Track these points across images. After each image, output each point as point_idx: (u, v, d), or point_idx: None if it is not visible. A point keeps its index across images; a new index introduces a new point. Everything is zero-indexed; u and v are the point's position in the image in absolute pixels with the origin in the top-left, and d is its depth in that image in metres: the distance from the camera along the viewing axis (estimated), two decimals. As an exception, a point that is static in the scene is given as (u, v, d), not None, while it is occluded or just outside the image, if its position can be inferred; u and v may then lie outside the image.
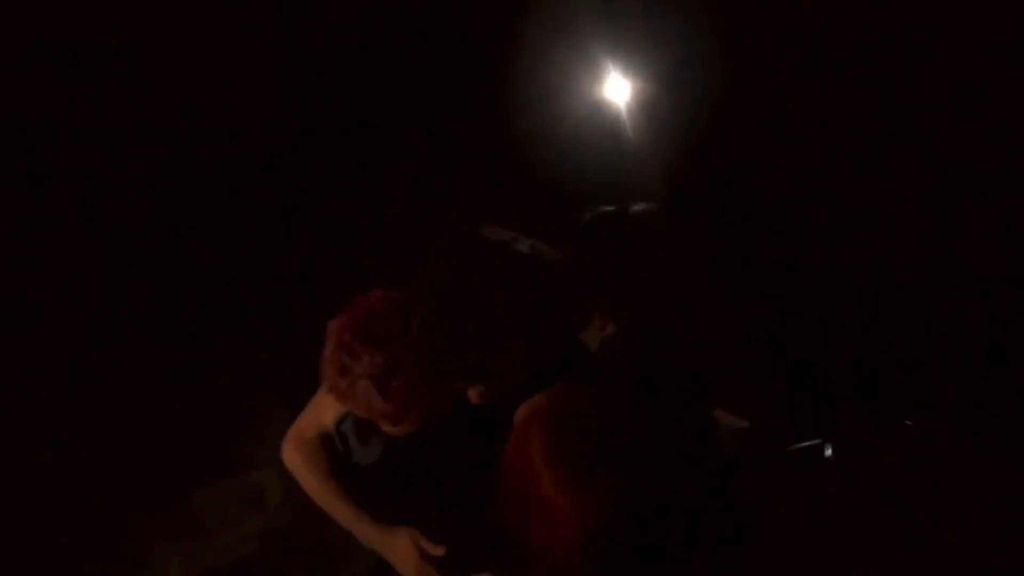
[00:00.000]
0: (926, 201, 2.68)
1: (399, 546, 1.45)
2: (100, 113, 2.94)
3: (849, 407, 2.02)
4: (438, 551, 1.38)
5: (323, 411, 1.49)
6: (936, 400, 2.20)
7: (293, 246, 3.06)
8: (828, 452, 1.43)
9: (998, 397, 2.18)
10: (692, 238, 1.40)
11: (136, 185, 2.98)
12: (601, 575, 1.13)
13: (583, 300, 1.29)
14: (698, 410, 1.36)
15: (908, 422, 1.77)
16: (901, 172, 2.86)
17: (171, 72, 2.97)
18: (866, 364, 2.25)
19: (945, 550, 1.79)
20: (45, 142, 2.89)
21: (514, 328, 1.21)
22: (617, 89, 3.04)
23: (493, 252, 1.28)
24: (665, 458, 1.14)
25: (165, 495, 2.33)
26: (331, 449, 1.50)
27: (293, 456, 1.53)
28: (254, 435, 2.47)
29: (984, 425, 2.10)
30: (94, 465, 2.40)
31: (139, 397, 2.60)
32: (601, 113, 3.08)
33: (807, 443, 1.43)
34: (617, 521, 1.06)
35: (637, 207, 1.39)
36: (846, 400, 2.07)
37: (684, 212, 1.47)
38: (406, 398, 1.27)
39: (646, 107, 3.04)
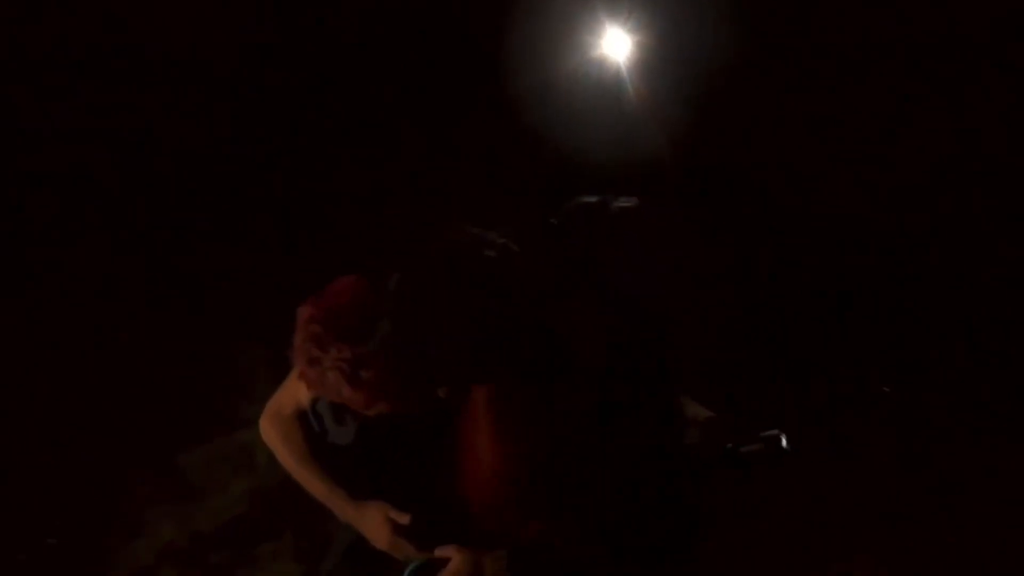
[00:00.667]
0: (929, 181, 2.72)
1: (372, 519, 1.55)
2: (103, 111, 3.00)
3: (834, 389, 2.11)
4: (407, 520, 1.49)
5: (299, 390, 1.55)
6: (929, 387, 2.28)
7: (280, 208, 3.13)
8: (784, 443, 1.51)
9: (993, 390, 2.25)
10: (673, 235, 1.46)
11: (136, 175, 3.04)
12: (532, 531, 1.40)
13: (558, 296, 1.37)
14: (657, 399, 1.45)
15: (886, 389, 1.85)
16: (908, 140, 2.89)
17: (172, 72, 3.04)
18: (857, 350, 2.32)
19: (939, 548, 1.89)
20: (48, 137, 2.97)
21: (482, 333, 1.29)
22: (617, 44, 3.03)
23: (462, 257, 1.33)
24: (600, 440, 1.31)
25: (154, 459, 2.41)
26: (307, 427, 1.59)
27: (271, 432, 1.61)
28: (240, 393, 2.53)
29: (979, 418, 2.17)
30: (82, 431, 2.46)
31: (124, 359, 2.66)
32: (601, 71, 3.09)
33: (766, 433, 1.51)
34: (536, 483, 1.35)
35: (619, 201, 1.45)
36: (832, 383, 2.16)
37: (667, 206, 1.52)
38: (375, 389, 1.31)
39: (647, 64, 3.04)
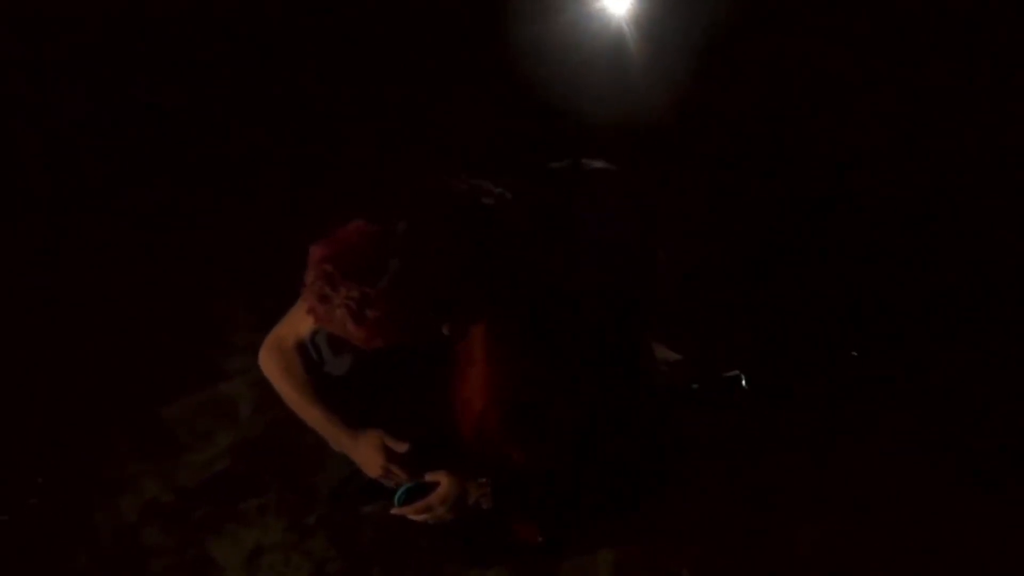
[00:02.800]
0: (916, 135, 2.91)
1: (366, 446, 1.77)
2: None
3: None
4: (402, 448, 1.74)
5: (300, 323, 1.77)
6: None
7: (260, 157, 3.32)
8: (744, 383, 1.79)
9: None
10: (641, 197, 1.72)
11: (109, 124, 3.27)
12: (515, 459, 1.67)
13: (546, 243, 1.62)
14: (633, 342, 1.71)
15: (854, 353, 2.09)
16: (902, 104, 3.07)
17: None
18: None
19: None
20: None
21: (481, 272, 1.54)
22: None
23: (462, 203, 1.58)
24: (581, 377, 1.55)
25: (135, 412, 2.56)
26: (306, 358, 1.81)
27: (269, 363, 1.82)
28: (221, 345, 2.72)
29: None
30: (61, 389, 2.63)
31: (103, 310, 2.85)
32: (602, 27, 3.23)
33: (728, 375, 1.78)
34: (522, 413, 1.62)
35: (592, 164, 1.70)
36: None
37: (636, 170, 1.78)
38: (379, 327, 1.54)
39: (649, 19, 3.21)
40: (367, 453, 1.79)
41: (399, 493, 1.73)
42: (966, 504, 2.10)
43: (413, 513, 1.72)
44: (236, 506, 2.35)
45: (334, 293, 1.53)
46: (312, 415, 1.82)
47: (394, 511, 1.73)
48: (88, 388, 2.65)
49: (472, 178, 1.65)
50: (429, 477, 1.72)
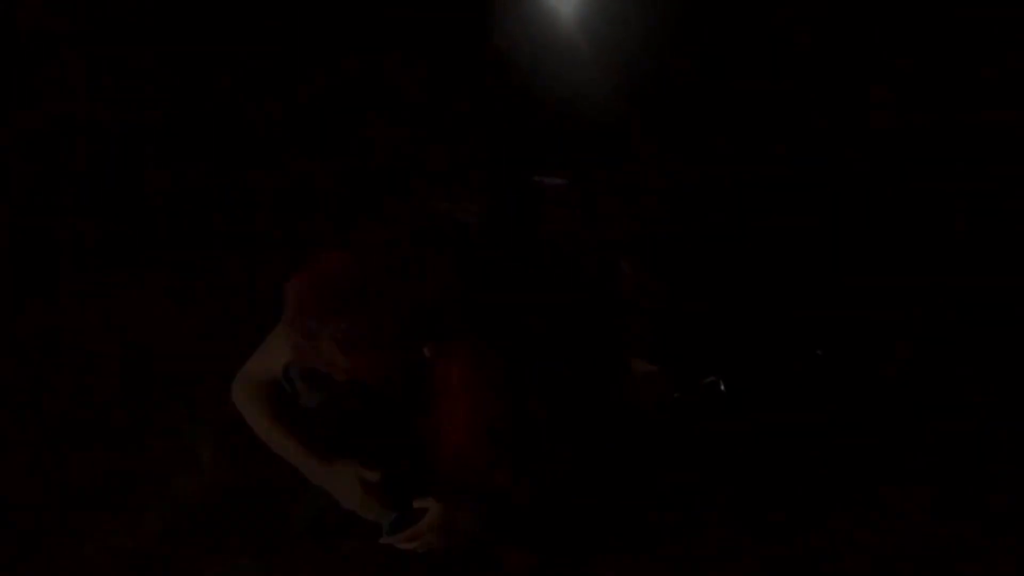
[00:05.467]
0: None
1: (343, 478, 1.83)
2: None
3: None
4: (375, 477, 1.79)
5: (273, 356, 1.82)
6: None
7: (222, 201, 3.34)
8: (722, 387, 1.87)
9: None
10: (595, 212, 1.80)
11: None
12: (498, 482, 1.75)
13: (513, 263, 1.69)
14: (607, 356, 1.79)
15: (819, 352, 2.18)
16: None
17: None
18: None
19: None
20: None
21: (464, 293, 1.59)
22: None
23: (442, 223, 1.64)
24: (560, 395, 1.63)
25: (99, 460, 2.60)
26: (279, 391, 1.86)
27: (242, 397, 1.88)
28: (185, 389, 2.72)
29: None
30: (23, 435, 2.67)
31: (64, 357, 2.89)
32: (551, 15, 3.28)
33: (706, 381, 1.86)
34: (504, 435, 1.69)
35: (547, 180, 1.77)
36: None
37: (589, 186, 1.85)
38: (367, 354, 1.59)
39: (603, 8, 3.28)
40: (343, 484, 1.84)
41: (387, 524, 1.78)
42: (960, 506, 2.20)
43: (403, 541, 1.77)
44: (214, 549, 2.39)
45: (321, 326, 1.58)
46: (286, 448, 1.87)
47: (383, 540, 1.78)
48: (48, 436, 2.69)
49: (450, 196, 1.71)
50: (417, 504, 1.77)
